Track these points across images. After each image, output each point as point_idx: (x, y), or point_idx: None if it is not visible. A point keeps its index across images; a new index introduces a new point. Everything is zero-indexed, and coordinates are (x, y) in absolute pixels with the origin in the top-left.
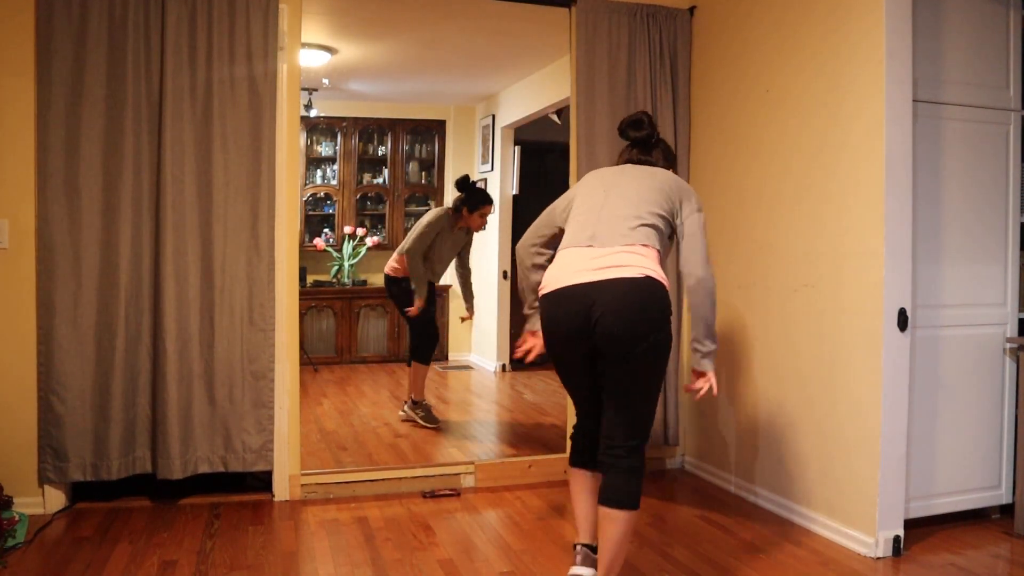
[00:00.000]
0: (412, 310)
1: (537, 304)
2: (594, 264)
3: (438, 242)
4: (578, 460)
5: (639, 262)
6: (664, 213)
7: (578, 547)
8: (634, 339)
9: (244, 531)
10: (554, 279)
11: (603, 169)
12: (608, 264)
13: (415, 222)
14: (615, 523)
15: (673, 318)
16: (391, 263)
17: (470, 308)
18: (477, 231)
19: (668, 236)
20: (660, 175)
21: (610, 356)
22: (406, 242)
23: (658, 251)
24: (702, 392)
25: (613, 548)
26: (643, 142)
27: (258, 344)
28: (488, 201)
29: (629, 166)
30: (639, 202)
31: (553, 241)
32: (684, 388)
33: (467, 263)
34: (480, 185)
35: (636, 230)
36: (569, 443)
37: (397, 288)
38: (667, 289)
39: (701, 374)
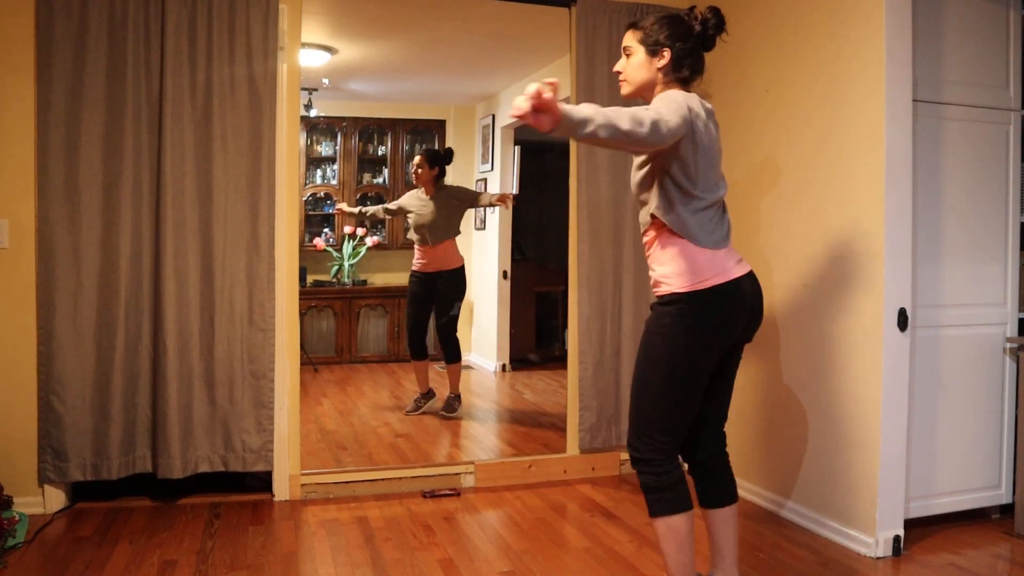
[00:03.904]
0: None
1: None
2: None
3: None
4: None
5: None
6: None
7: None
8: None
9: (244, 531)
10: (722, 269)
11: (703, 113)
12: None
13: None
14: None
15: None
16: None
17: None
18: (419, 183)
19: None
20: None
21: (738, 351)
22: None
23: None
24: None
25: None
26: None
27: (258, 344)
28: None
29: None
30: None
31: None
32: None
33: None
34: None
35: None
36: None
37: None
38: None
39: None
